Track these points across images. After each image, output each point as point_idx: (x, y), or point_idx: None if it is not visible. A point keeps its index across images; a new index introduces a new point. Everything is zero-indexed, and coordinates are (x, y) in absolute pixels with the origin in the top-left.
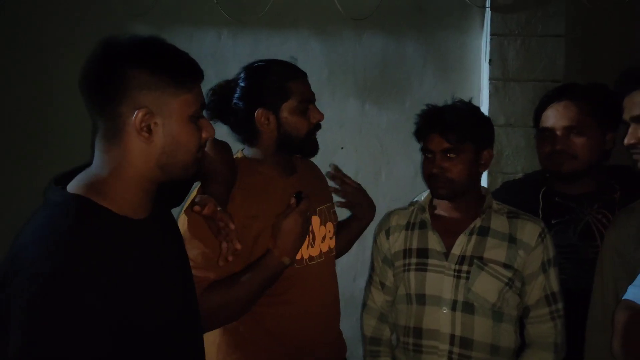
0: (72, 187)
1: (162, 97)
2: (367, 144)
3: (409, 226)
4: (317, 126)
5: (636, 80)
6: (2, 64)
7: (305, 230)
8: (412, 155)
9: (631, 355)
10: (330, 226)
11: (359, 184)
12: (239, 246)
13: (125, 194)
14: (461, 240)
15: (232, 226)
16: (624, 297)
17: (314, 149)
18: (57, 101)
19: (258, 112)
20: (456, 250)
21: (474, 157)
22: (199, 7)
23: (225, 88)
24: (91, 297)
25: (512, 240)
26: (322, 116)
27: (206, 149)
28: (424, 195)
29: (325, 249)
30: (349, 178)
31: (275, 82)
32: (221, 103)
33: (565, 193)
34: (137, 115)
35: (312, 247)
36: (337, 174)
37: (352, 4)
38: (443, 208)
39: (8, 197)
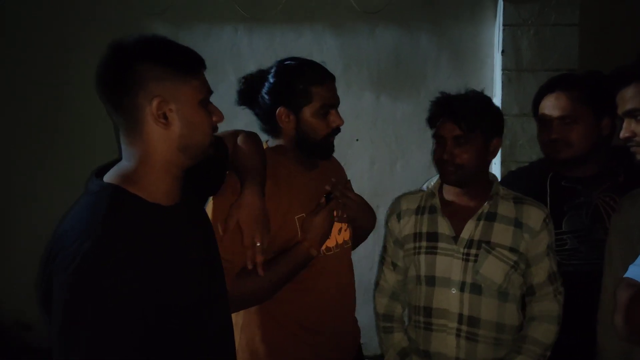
0: (108, 177)
1: (172, 85)
2: (382, 135)
3: (419, 210)
4: (336, 130)
5: (626, 77)
6: (13, 62)
7: (331, 227)
8: (427, 145)
9: (633, 331)
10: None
11: (360, 197)
12: (260, 259)
13: (154, 182)
14: (470, 225)
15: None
16: (625, 275)
17: (328, 152)
18: (72, 101)
19: (280, 110)
20: (465, 234)
21: (483, 145)
22: (215, 4)
23: (256, 78)
24: (127, 275)
25: (518, 224)
26: (341, 122)
27: (239, 141)
28: (433, 180)
29: (340, 240)
30: (352, 191)
31: (301, 84)
32: (250, 92)
33: (571, 176)
34: (153, 104)
35: (329, 238)
36: (339, 187)
37: None
38: (452, 194)
39: (22, 194)
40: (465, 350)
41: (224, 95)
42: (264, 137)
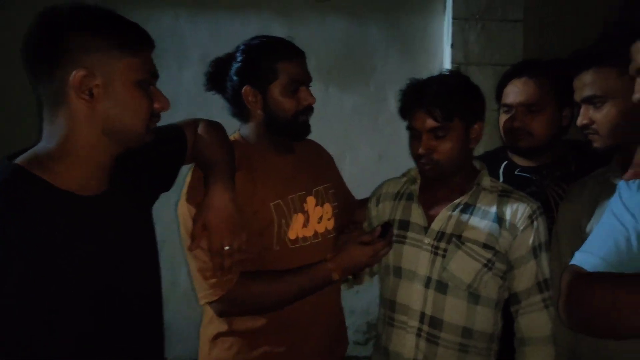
0: (19, 159)
1: (104, 59)
2: (331, 128)
3: (397, 196)
4: (307, 109)
5: (584, 62)
6: None
7: (369, 265)
8: (376, 138)
9: (573, 317)
10: (328, 207)
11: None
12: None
13: (70, 168)
14: (442, 215)
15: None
16: (570, 262)
17: (302, 132)
18: None
19: (245, 89)
20: (436, 225)
21: (464, 132)
22: None
23: (224, 61)
24: (7, 264)
25: (498, 220)
26: (312, 99)
27: (199, 131)
28: None
29: (321, 229)
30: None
31: (266, 61)
32: (218, 74)
33: (525, 166)
34: (76, 76)
35: (305, 227)
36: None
37: None
38: (432, 182)
39: None
40: (424, 352)
41: (166, 84)
42: (235, 124)
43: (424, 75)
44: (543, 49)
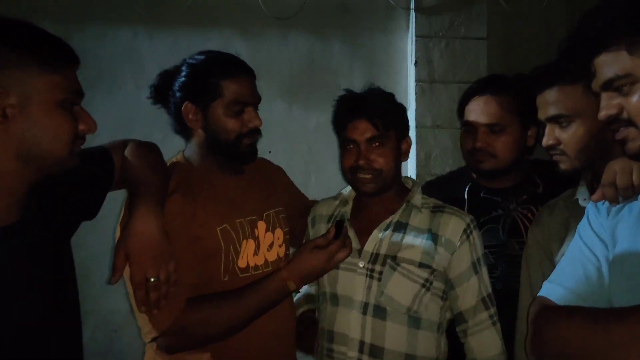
0: None
1: (20, 76)
2: (295, 147)
3: (330, 219)
4: (253, 132)
5: (547, 79)
6: None
7: (326, 269)
8: None
9: (539, 354)
10: (279, 233)
11: None
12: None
13: None
14: (374, 236)
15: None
16: (538, 294)
17: (246, 155)
18: None
19: (185, 106)
20: (369, 247)
21: (397, 146)
22: (110, 2)
23: (170, 74)
24: None
25: (432, 237)
26: (258, 122)
27: (126, 152)
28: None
29: (272, 257)
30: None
31: (209, 77)
32: (163, 88)
33: (490, 187)
34: None
35: (256, 255)
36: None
37: (276, 3)
38: (365, 202)
39: None
40: None
41: (122, 103)
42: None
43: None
44: (508, 67)
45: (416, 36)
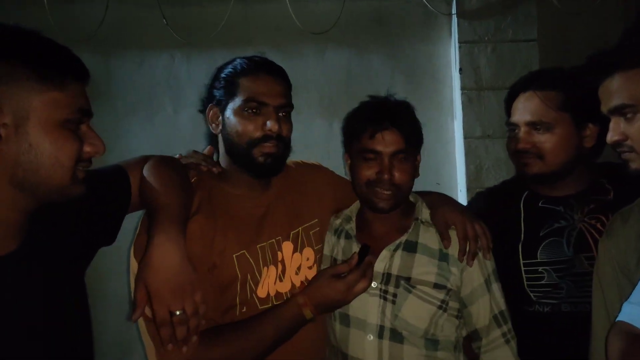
0: None
1: (16, 91)
2: (336, 164)
3: (337, 233)
4: (269, 139)
5: (607, 66)
6: None
7: (344, 301)
8: None
9: None
10: (308, 253)
11: None
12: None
13: None
14: (384, 255)
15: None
16: (618, 319)
17: (263, 168)
18: None
19: (209, 109)
20: (379, 266)
21: (415, 161)
22: (147, 29)
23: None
24: None
25: (442, 257)
26: (275, 126)
27: (144, 171)
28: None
29: (299, 282)
30: None
31: (227, 76)
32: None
33: (550, 196)
34: None
35: (280, 280)
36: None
37: (311, 19)
38: (370, 218)
39: None
40: None
41: (160, 128)
42: None
43: (433, 105)
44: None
45: (459, 42)
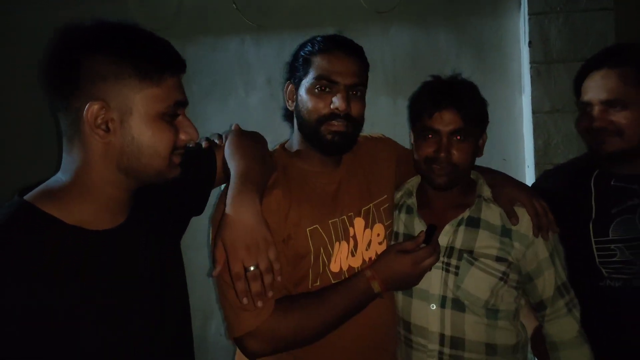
0: (29, 195)
1: (121, 89)
2: (402, 141)
3: (397, 207)
4: (337, 117)
5: None
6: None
7: (411, 275)
8: None
9: None
10: (379, 229)
11: None
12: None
13: (81, 202)
14: (447, 230)
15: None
16: None
17: (331, 146)
18: None
19: (286, 86)
20: (442, 240)
21: (476, 141)
22: (220, 15)
23: None
24: (8, 303)
25: (505, 233)
26: (343, 105)
27: (227, 144)
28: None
29: (370, 256)
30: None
31: (303, 54)
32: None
33: (623, 174)
34: (89, 109)
35: (352, 256)
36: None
37: None
38: (431, 194)
39: None
40: None
41: (234, 110)
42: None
43: (500, 80)
44: None
45: (529, 14)
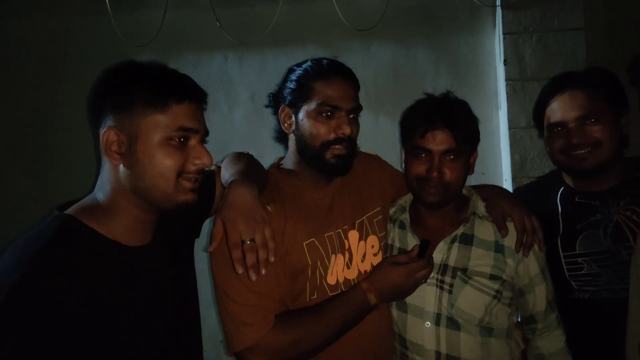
0: (71, 209)
1: (129, 117)
2: (384, 157)
3: (391, 220)
4: (341, 141)
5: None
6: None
7: (405, 286)
8: None
9: None
10: (373, 240)
11: None
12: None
13: (116, 219)
14: (441, 247)
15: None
16: None
17: (334, 168)
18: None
19: (281, 109)
20: (436, 258)
21: (467, 159)
22: (202, 32)
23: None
24: (56, 312)
25: (498, 248)
26: (347, 129)
27: (222, 166)
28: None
29: (366, 268)
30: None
31: (302, 78)
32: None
33: (586, 191)
34: (103, 136)
35: (348, 268)
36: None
37: (357, 15)
38: (423, 211)
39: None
40: None
41: (217, 126)
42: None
43: (478, 96)
44: (611, 56)
45: (504, 33)
